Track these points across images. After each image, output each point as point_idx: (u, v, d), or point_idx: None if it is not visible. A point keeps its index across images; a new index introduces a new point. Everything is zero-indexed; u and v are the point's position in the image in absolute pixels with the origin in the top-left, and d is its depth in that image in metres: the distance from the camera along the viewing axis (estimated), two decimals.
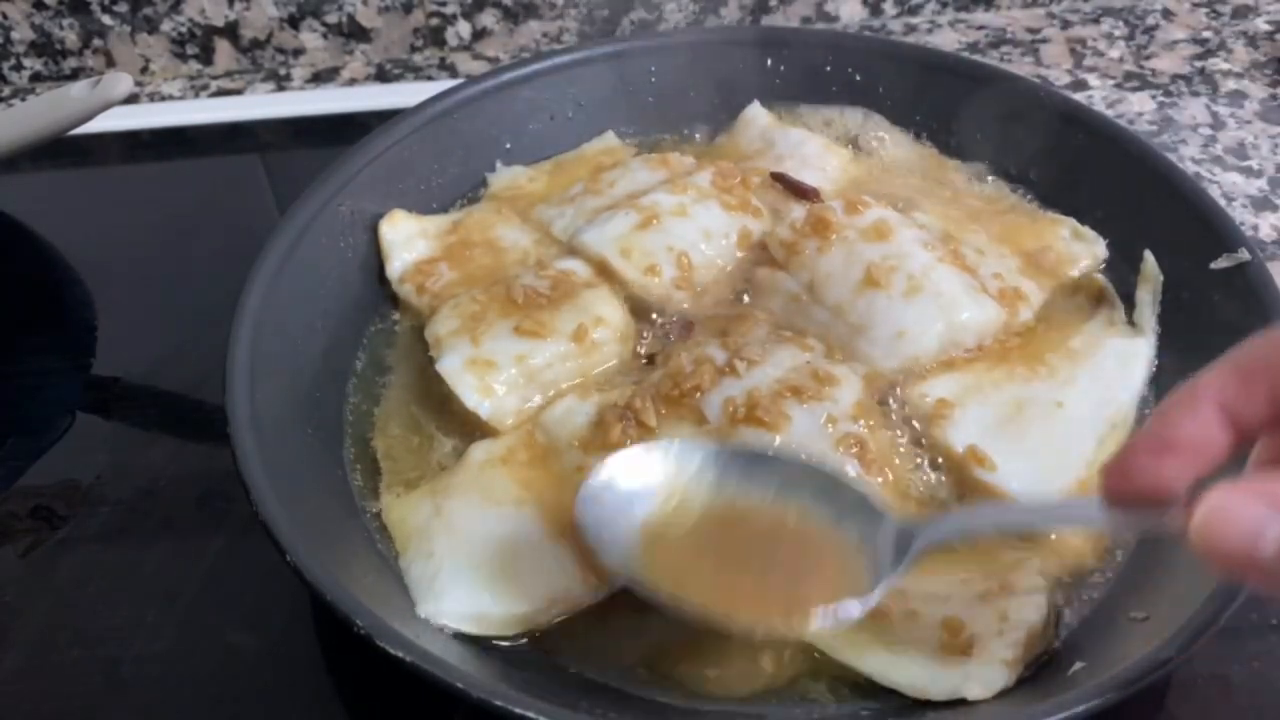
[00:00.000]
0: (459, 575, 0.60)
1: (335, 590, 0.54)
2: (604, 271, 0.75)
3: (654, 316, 0.74)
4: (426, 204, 0.83)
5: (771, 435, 0.64)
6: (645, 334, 0.74)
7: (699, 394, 0.66)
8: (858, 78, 0.89)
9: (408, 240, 0.79)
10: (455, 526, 0.62)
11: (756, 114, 0.90)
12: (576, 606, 0.60)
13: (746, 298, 0.75)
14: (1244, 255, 0.68)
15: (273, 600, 0.65)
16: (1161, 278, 0.74)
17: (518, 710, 0.49)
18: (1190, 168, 0.96)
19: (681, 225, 0.77)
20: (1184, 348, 0.71)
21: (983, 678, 0.56)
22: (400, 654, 0.51)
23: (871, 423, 0.66)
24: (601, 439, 0.64)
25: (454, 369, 0.69)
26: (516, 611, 0.59)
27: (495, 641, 0.59)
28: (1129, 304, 0.75)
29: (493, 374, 0.69)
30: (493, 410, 0.68)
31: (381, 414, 0.72)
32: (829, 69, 0.89)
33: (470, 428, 0.69)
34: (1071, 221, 0.80)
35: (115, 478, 0.73)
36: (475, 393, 0.68)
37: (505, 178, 0.86)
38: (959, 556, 0.62)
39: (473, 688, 0.50)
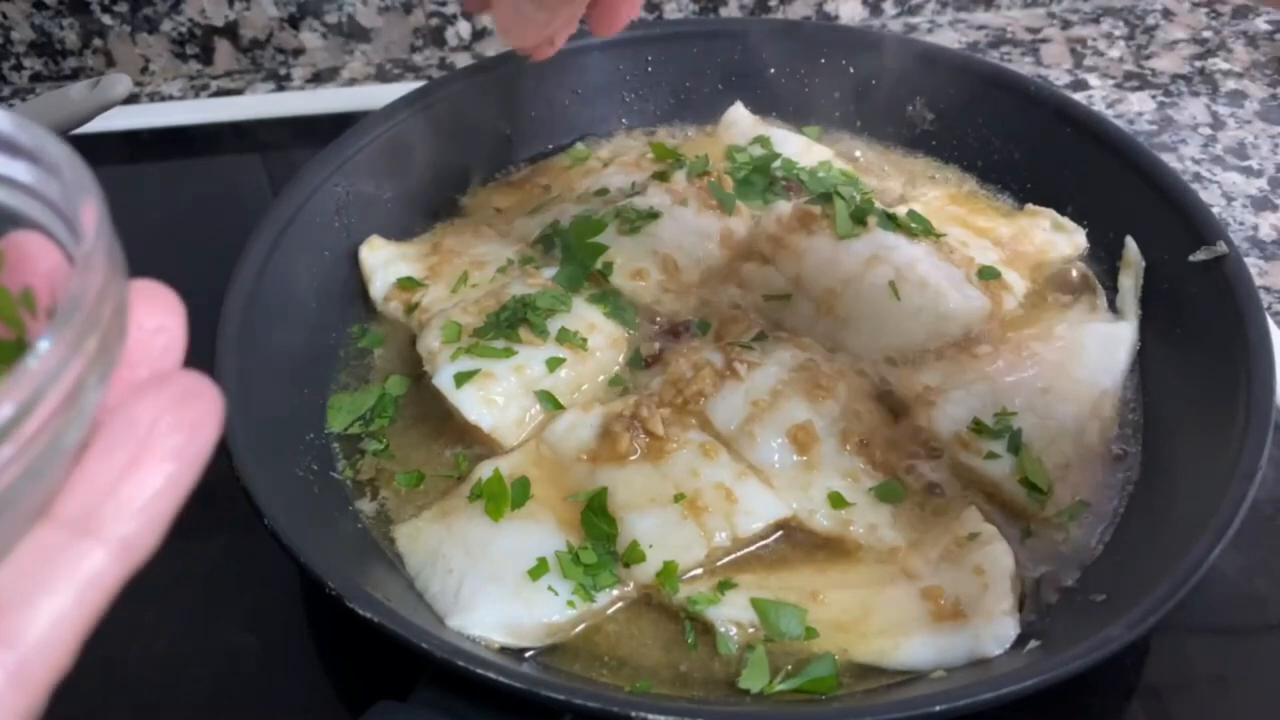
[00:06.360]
0: (484, 587, 0.59)
1: (383, 610, 0.53)
2: (592, 279, 0.75)
3: (644, 320, 0.74)
4: (425, 188, 0.84)
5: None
6: (643, 336, 0.73)
7: (703, 399, 0.66)
8: (851, 70, 0.89)
9: (388, 263, 0.78)
10: (471, 544, 0.61)
11: (739, 115, 0.90)
12: (599, 614, 0.60)
13: (734, 294, 0.75)
14: (1222, 249, 0.68)
15: (273, 601, 0.65)
16: (1144, 263, 0.74)
17: (578, 701, 0.49)
18: (1190, 167, 0.96)
19: (661, 227, 0.77)
20: (1164, 335, 0.72)
21: (993, 634, 0.56)
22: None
23: (870, 416, 0.67)
24: (610, 450, 0.64)
25: (451, 382, 0.68)
26: (546, 620, 0.58)
27: (524, 652, 0.58)
28: (1110, 292, 0.75)
29: (491, 385, 0.68)
30: (495, 422, 0.67)
31: (379, 436, 0.69)
32: (823, 60, 0.90)
33: (470, 441, 0.68)
34: (1051, 213, 0.80)
35: None
36: (476, 405, 0.67)
37: (477, 198, 0.86)
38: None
39: (539, 686, 0.50)
